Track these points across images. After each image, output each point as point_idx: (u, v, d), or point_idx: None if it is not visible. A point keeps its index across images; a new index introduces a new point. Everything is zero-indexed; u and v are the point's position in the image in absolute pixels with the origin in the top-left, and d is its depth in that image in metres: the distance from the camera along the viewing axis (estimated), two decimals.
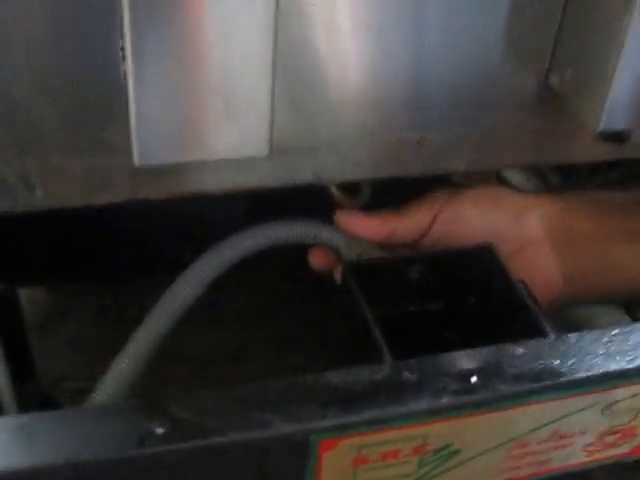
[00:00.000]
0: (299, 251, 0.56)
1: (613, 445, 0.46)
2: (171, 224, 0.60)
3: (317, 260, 0.53)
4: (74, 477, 0.35)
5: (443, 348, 0.43)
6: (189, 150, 0.39)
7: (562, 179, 0.74)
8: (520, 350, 0.41)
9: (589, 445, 0.46)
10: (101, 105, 0.44)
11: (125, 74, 0.42)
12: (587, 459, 0.46)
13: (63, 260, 0.58)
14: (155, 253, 0.60)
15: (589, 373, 0.41)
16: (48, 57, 0.42)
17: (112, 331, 0.58)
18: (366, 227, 0.52)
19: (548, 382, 0.40)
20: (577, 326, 0.58)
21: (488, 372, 0.40)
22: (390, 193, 0.58)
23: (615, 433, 0.45)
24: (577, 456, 0.46)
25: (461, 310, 0.52)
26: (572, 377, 0.41)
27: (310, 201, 0.55)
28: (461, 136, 0.52)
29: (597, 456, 0.47)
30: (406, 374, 0.40)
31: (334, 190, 0.55)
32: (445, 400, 0.39)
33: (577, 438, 0.44)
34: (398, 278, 0.50)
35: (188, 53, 0.37)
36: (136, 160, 0.39)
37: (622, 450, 0.47)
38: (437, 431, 0.40)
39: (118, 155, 0.46)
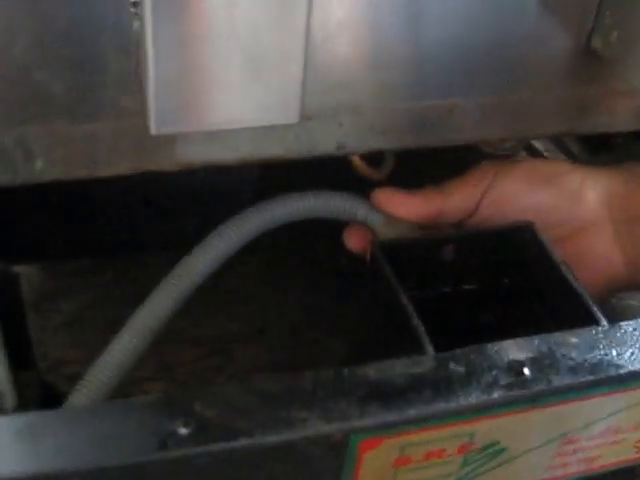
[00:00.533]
0: (314, 232, 0.52)
1: None
2: (178, 198, 0.55)
3: (354, 240, 0.48)
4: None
5: (478, 332, 0.40)
6: (211, 118, 0.35)
7: (587, 150, 0.70)
8: (574, 339, 0.38)
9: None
10: (108, 68, 0.40)
11: (138, 34, 0.37)
12: (637, 455, 0.43)
13: (60, 236, 0.54)
14: (160, 229, 0.56)
15: None
16: (51, 16, 0.38)
17: (114, 311, 0.54)
18: (407, 206, 0.47)
19: (606, 374, 0.37)
20: (619, 313, 0.54)
21: (541, 364, 0.37)
22: (415, 164, 0.54)
23: None
24: (628, 452, 0.42)
25: (497, 292, 0.48)
26: (631, 369, 0.37)
27: (327, 172, 0.51)
28: (495, 103, 0.48)
29: None
30: (452, 366, 0.36)
31: (356, 160, 0.51)
32: (496, 395, 0.35)
33: (630, 434, 0.41)
34: (431, 259, 0.46)
35: (213, 8, 0.32)
36: (152, 128, 0.35)
37: None
38: (485, 428, 0.36)
39: (125, 123, 0.42)
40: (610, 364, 0.37)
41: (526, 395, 0.36)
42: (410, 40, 0.43)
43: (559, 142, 0.73)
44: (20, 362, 0.44)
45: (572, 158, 0.72)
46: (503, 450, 0.38)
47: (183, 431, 0.32)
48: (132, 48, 0.39)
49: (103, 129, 0.42)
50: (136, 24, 0.38)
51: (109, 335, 0.49)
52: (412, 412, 0.34)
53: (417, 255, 0.45)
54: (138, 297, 0.50)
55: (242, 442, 0.32)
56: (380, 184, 0.51)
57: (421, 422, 0.34)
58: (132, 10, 0.38)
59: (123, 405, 0.33)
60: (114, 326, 0.49)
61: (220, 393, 0.34)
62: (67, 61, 0.39)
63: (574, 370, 0.36)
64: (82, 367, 0.51)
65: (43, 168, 0.43)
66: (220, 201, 0.55)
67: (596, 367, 0.37)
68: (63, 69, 0.40)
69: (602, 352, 0.37)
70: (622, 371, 0.37)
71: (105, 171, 0.43)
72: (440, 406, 0.34)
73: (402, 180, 0.53)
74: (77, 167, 0.43)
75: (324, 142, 0.45)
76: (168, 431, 0.32)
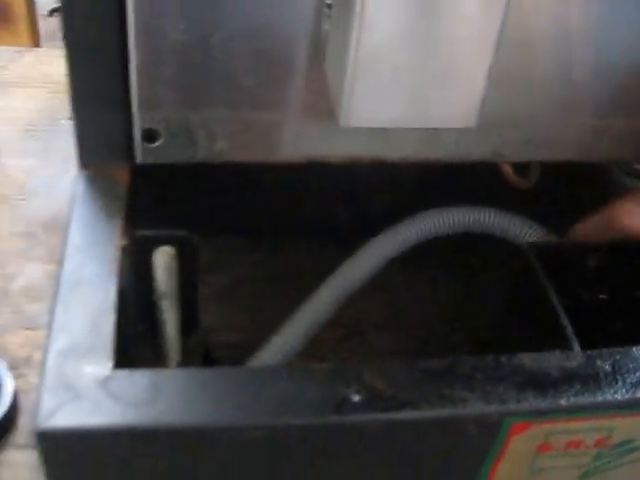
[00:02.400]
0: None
1: None
2: (339, 192, 0.59)
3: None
4: (270, 439, 0.35)
5: (609, 340, 0.42)
6: (397, 116, 0.38)
7: None
8: None
9: None
10: (293, 63, 0.44)
11: (327, 33, 0.41)
12: None
13: (224, 213, 0.58)
14: (314, 218, 0.60)
15: None
16: (246, 11, 0.42)
17: (264, 289, 0.58)
18: None
19: None
20: None
21: None
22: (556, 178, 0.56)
23: None
24: None
25: (629, 303, 0.50)
26: None
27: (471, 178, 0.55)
28: None
29: None
30: (599, 363, 0.39)
31: (506, 168, 0.54)
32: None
33: None
34: (576, 264, 0.48)
35: (415, 18, 0.35)
36: (341, 120, 0.39)
37: None
38: (624, 425, 0.39)
39: (304, 114, 0.46)
40: None
41: None
42: (570, 62, 0.46)
43: None
44: (188, 329, 0.48)
45: None
46: (637, 449, 0.41)
47: (355, 398, 0.36)
48: (320, 46, 0.43)
49: (283, 119, 0.46)
50: (326, 25, 0.42)
51: (258, 310, 0.53)
52: (563, 402, 0.37)
53: (563, 260, 0.48)
54: (281, 278, 0.54)
55: (408, 413, 0.36)
56: (524, 193, 0.54)
57: (569, 412, 0.37)
58: (326, 11, 0.41)
59: (300, 370, 0.37)
60: (263, 303, 0.54)
61: (387, 368, 0.37)
62: (257, 55, 0.43)
63: None
64: (230, 337, 0.55)
65: (222, 149, 0.47)
66: (372, 199, 0.59)
67: None
68: (253, 62, 0.44)
69: None
70: None
71: (279, 158, 0.47)
72: (588, 399, 0.37)
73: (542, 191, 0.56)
74: (254, 152, 0.47)
75: (481, 149, 0.48)
76: (342, 397, 0.36)
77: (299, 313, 0.49)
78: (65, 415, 0.34)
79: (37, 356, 0.56)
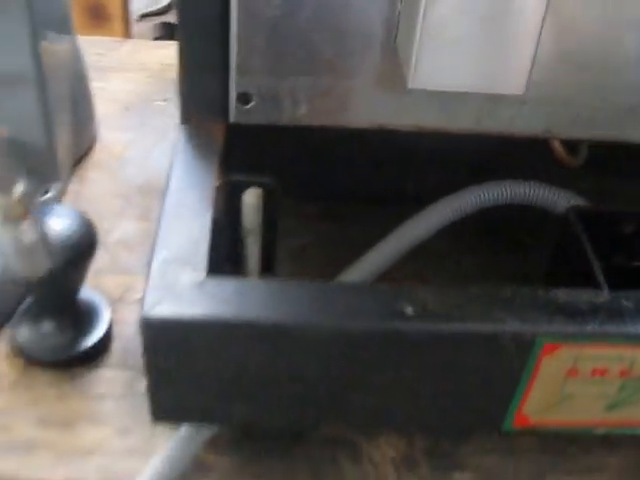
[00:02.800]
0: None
1: None
2: (409, 159, 0.65)
3: None
4: (336, 339, 0.42)
5: None
6: (460, 80, 0.45)
7: None
8: None
9: None
10: (369, 36, 0.50)
11: (401, 8, 0.48)
12: None
13: (300, 178, 0.64)
14: (381, 185, 0.67)
15: None
16: None
17: (333, 254, 0.64)
18: None
19: None
20: None
21: None
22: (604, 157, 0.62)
23: None
24: None
25: None
26: None
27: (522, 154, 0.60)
28: None
29: None
30: (624, 302, 0.44)
31: (556, 145, 0.60)
32: None
33: None
34: (613, 230, 0.54)
35: None
36: (410, 83, 0.45)
37: None
38: None
39: (377, 83, 0.52)
40: None
41: None
42: (617, 44, 0.51)
43: None
44: (265, 266, 0.55)
45: None
46: None
47: (409, 311, 0.42)
48: (394, 25, 0.49)
49: (358, 87, 0.52)
50: (399, 6, 0.49)
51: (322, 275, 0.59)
52: (589, 328, 0.42)
53: (601, 225, 0.53)
54: (350, 244, 0.60)
55: (455, 326, 0.42)
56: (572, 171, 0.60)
57: (594, 338, 0.43)
58: None
59: (367, 287, 0.44)
60: (327, 267, 0.60)
61: (438, 290, 0.44)
62: (337, 30, 0.50)
63: None
64: None
65: (304, 114, 0.54)
66: (435, 168, 0.65)
67: None
68: (333, 36, 0.50)
69: None
70: None
71: (353, 123, 0.54)
72: (611, 328, 0.43)
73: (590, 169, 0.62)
74: (332, 117, 0.54)
75: (532, 126, 0.54)
76: (398, 310, 0.42)
77: (366, 256, 0.56)
78: (165, 307, 0.42)
79: (129, 296, 0.64)
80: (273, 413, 0.46)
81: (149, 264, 0.45)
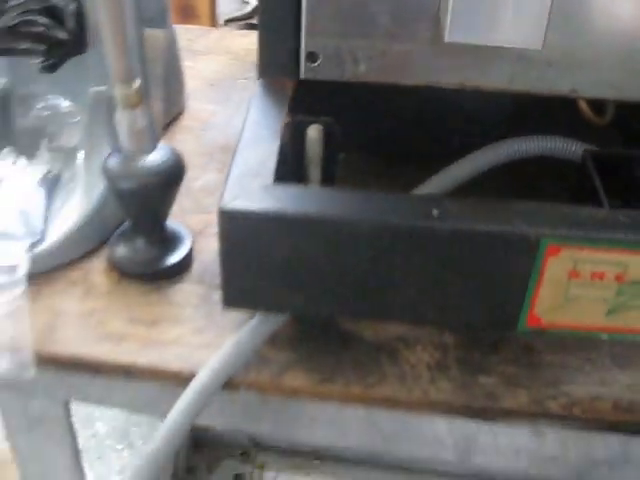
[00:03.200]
0: None
1: None
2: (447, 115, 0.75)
3: None
4: (374, 233, 0.52)
5: None
6: (489, 35, 0.54)
7: None
8: None
9: None
10: (419, 8, 0.59)
11: None
12: None
13: (360, 130, 0.74)
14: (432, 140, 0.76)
15: None
16: None
17: None
18: None
19: None
20: None
21: None
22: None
23: None
24: None
25: None
26: None
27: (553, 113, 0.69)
28: None
29: None
30: (621, 217, 0.53)
31: (583, 105, 0.68)
32: None
33: None
34: (625, 172, 0.62)
35: None
36: (446, 36, 0.55)
37: None
38: (637, 263, 0.53)
39: (427, 44, 0.61)
40: None
41: None
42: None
43: None
44: None
45: None
46: None
47: (435, 213, 0.51)
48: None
49: (410, 48, 0.62)
50: None
51: None
52: (587, 233, 0.51)
53: (614, 166, 0.61)
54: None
55: (470, 225, 0.51)
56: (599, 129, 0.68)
57: (591, 242, 0.51)
58: None
59: (405, 196, 0.53)
60: None
61: (461, 200, 0.53)
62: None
63: None
64: None
65: (364, 72, 0.63)
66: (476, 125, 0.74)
67: None
68: (389, 4, 0.60)
69: None
70: None
71: (408, 81, 0.63)
72: (607, 234, 0.51)
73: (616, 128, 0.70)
74: (388, 75, 0.63)
75: (560, 85, 0.62)
76: (427, 212, 0.52)
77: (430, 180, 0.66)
78: (238, 202, 0.52)
79: (208, 230, 0.74)
80: (324, 303, 0.56)
81: (226, 177, 0.55)
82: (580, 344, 0.63)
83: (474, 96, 0.64)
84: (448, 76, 0.63)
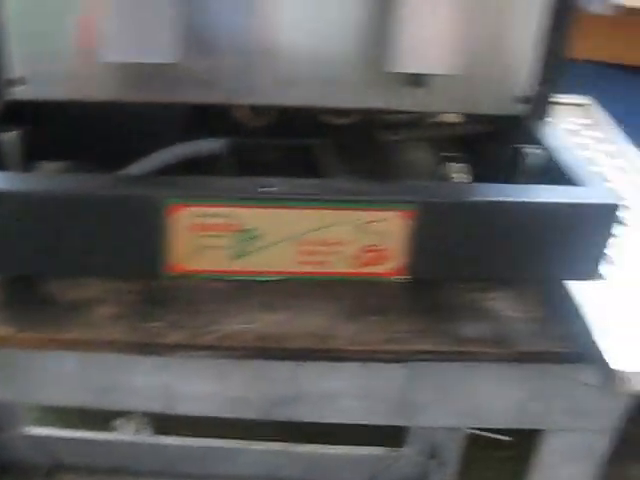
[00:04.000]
0: None
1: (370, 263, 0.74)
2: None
3: None
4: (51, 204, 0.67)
5: None
6: (129, 51, 0.71)
7: None
8: None
9: (353, 258, 0.74)
10: None
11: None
12: (352, 270, 0.74)
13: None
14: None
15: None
16: None
17: None
18: None
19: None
20: None
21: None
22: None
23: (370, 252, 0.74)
24: (346, 265, 0.74)
25: None
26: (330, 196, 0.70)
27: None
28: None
29: (360, 270, 0.75)
30: (224, 182, 0.70)
31: (242, 109, 0.86)
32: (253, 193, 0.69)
33: (342, 247, 0.73)
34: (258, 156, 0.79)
35: None
36: (101, 57, 0.71)
37: (378, 269, 0.75)
38: (245, 215, 0.70)
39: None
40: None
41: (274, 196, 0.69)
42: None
43: None
44: None
45: None
46: (258, 237, 0.71)
47: (91, 185, 0.67)
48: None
49: (94, 70, 0.77)
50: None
51: None
52: (206, 191, 0.68)
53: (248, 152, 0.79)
54: None
55: (113, 192, 0.67)
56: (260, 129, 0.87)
57: (208, 199, 0.68)
58: None
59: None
60: None
61: (120, 176, 0.69)
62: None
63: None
64: None
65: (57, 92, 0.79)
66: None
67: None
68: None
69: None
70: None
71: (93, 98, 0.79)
72: (227, 193, 0.68)
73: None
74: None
75: (216, 95, 0.79)
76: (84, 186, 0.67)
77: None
78: None
79: None
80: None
81: None
82: (235, 294, 0.79)
83: (152, 109, 0.81)
84: (112, 93, 0.77)
